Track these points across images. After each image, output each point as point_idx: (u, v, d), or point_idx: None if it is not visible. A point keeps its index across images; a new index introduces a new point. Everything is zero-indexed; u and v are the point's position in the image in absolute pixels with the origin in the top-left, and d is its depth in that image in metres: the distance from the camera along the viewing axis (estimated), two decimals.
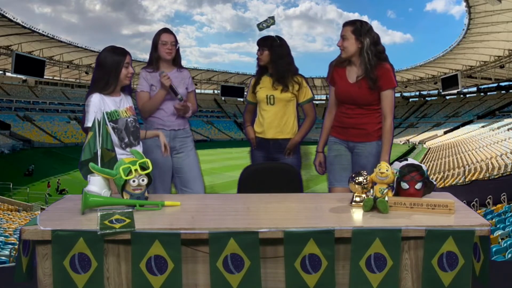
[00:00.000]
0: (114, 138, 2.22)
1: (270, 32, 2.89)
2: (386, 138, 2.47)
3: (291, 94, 2.81)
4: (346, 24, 2.43)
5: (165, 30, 2.78)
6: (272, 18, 2.90)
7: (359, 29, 2.38)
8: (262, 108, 2.88)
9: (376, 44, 2.40)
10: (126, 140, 2.31)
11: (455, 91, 52.81)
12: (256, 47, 2.89)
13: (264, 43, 2.82)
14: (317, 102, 63.91)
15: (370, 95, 2.43)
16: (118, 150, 2.04)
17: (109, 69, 2.22)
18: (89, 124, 2.16)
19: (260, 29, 2.87)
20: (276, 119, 2.84)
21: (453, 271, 1.48)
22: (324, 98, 61.52)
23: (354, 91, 2.46)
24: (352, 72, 2.48)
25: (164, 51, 2.73)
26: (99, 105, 2.19)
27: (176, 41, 2.76)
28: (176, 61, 2.82)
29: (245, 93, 3.04)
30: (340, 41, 2.42)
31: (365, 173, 1.68)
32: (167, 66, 2.80)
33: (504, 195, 10.68)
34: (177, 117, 2.82)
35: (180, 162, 2.85)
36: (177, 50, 2.80)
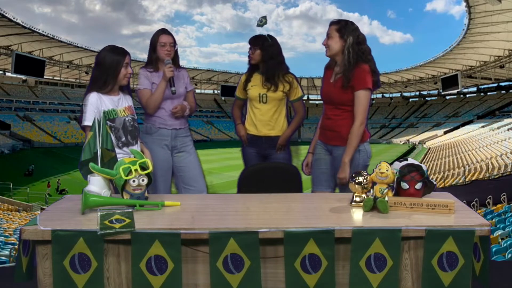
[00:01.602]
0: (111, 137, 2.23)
1: (264, 31, 2.92)
2: (351, 139, 2.37)
3: (283, 93, 2.86)
4: (331, 23, 2.42)
5: (163, 31, 2.77)
6: (265, 17, 2.95)
7: (343, 27, 2.36)
8: (254, 106, 2.91)
9: (359, 44, 2.37)
10: (123, 139, 2.32)
11: (455, 91, 52.85)
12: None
13: (256, 42, 2.85)
14: (317, 102, 63.94)
15: (344, 93, 2.38)
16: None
17: (107, 69, 2.23)
18: (86, 122, 2.19)
19: (259, 26, 2.91)
20: (268, 116, 2.88)
21: (453, 271, 1.48)
22: None
23: (331, 89, 2.45)
24: (335, 72, 2.47)
25: (164, 53, 2.72)
26: (96, 104, 2.21)
27: (174, 42, 2.76)
28: (174, 61, 2.81)
29: None
30: (325, 40, 2.41)
31: (365, 173, 1.68)
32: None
33: (504, 195, 10.69)
34: (178, 116, 2.82)
35: (181, 161, 2.85)
36: (176, 51, 2.80)
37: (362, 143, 2.43)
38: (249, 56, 2.89)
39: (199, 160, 2.96)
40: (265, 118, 2.88)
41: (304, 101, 3.02)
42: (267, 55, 2.81)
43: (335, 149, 2.49)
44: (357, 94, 2.36)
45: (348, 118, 2.42)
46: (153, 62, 2.78)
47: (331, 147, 2.51)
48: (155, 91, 2.74)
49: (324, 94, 2.53)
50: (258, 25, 2.91)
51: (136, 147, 2.37)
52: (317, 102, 63.91)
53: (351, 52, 2.34)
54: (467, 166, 23.17)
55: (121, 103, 2.33)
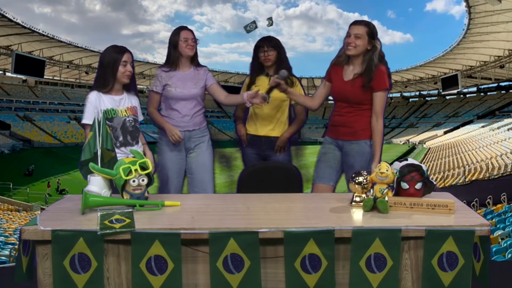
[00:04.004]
0: None
1: (265, 31, 2.95)
2: (378, 138, 2.45)
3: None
4: (359, 22, 2.44)
5: (184, 28, 2.75)
6: (254, 22, 2.99)
7: (372, 31, 2.42)
8: (256, 106, 2.87)
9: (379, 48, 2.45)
10: (121, 138, 2.32)
11: (455, 91, 52.82)
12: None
13: (272, 43, 2.84)
14: None
15: (363, 94, 2.45)
16: None
17: (106, 67, 2.26)
18: (85, 120, 2.23)
19: (248, 31, 2.94)
20: (269, 117, 2.87)
21: (453, 271, 1.48)
22: None
23: (347, 88, 2.48)
24: (349, 71, 2.50)
25: (187, 48, 2.69)
26: (95, 102, 2.24)
27: (195, 38, 2.74)
28: (194, 59, 2.79)
29: None
30: (352, 38, 2.42)
31: (365, 173, 1.68)
32: (185, 64, 2.76)
33: (504, 195, 10.67)
34: (192, 118, 2.78)
35: (192, 162, 2.81)
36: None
37: (368, 139, 2.51)
38: (264, 59, 2.84)
39: (212, 162, 2.90)
40: (266, 118, 2.87)
41: None
42: (282, 56, 2.84)
43: (346, 144, 2.55)
44: (377, 94, 2.44)
45: (361, 114, 2.50)
46: (172, 60, 2.73)
47: (342, 142, 2.57)
48: (158, 120, 2.73)
49: (338, 92, 2.54)
50: (248, 31, 2.93)
51: (137, 148, 2.37)
52: None
53: (376, 56, 2.41)
54: (467, 166, 23.17)
55: (123, 103, 2.33)
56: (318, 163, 2.65)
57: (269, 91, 2.54)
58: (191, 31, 2.74)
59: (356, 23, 2.45)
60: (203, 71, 2.83)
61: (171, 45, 2.73)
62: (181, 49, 2.71)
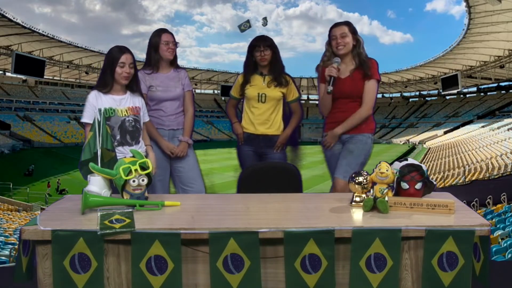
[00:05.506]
0: None
1: (265, 31, 2.97)
2: (354, 118, 2.61)
3: (281, 93, 2.90)
4: (340, 24, 2.61)
5: (164, 30, 2.78)
6: (248, 21, 3.03)
7: (353, 28, 2.61)
8: (252, 105, 2.93)
9: None
10: (118, 137, 2.33)
11: (455, 91, 52.84)
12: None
13: (268, 43, 2.86)
14: (317, 102, 63.86)
15: (362, 87, 2.60)
16: None
17: (106, 68, 2.28)
18: (83, 119, 2.28)
19: (242, 30, 2.99)
20: (266, 115, 2.91)
21: (453, 271, 1.48)
22: None
23: (348, 84, 2.61)
24: (342, 69, 2.62)
25: (167, 51, 2.73)
26: (92, 101, 2.27)
27: (175, 41, 2.77)
28: (173, 61, 2.82)
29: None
30: (339, 39, 2.57)
31: (365, 173, 1.68)
32: (165, 66, 2.81)
33: (504, 195, 10.66)
34: (176, 117, 2.83)
35: (179, 161, 2.86)
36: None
37: (370, 133, 2.67)
38: (260, 58, 2.86)
39: (197, 160, 2.96)
40: (263, 117, 2.91)
41: (302, 102, 3.06)
42: (276, 56, 2.88)
43: (350, 137, 2.67)
44: (369, 83, 2.61)
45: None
46: (153, 62, 2.78)
47: (345, 136, 2.69)
48: (154, 134, 2.73)
49: (339, 90, 2.61)
50: (242, 30, 2.97)
51: (137, 148, 2.37)
52: (317, 102, 63.81)
53: (363, 48, 2.61)
54: (467, 166, 23.16)
55: (124, 103, 2.34)
56: (329, 163, 2.79)
57: (332, 82, 2.56)
58: (171, 34, 2.77)
59: (337, 24, 2.61)
60: (183, 73, 2.88)
61: (151, 47, 2.76)
62: (161, 52, 2.74)
